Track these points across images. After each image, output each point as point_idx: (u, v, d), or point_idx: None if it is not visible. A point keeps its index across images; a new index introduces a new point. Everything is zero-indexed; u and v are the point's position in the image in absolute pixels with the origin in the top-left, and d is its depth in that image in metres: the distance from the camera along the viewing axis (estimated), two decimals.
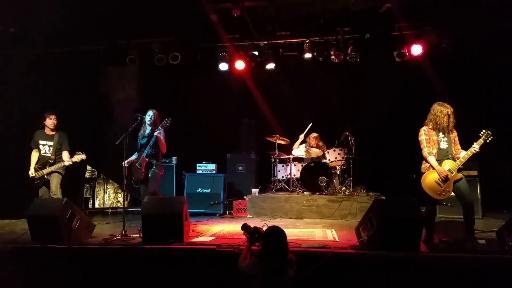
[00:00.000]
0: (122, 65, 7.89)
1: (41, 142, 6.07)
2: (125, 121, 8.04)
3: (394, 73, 8.11)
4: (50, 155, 6.02)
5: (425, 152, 4.54)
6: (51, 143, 6.05)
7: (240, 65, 7.87)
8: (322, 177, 7.23)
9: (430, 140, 4.55)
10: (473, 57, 7.42)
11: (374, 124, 8.46)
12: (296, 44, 7.81)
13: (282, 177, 8.12)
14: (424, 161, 4.64)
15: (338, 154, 7.65)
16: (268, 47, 7.77)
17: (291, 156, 7.92)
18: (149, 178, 5.63)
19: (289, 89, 8.81)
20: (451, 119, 4.49)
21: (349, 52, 7.46)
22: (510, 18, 6.74)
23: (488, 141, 4.39)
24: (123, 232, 4.99)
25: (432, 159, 4.49)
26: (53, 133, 6.10)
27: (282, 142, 8.02)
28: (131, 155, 5.70)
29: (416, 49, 7.21)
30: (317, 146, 8.01)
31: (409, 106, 8.14)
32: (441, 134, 4.56)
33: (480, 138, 4.39)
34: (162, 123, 5.57)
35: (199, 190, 7.64)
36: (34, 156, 6.07)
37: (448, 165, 4.44)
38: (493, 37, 7.09)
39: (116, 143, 5.73)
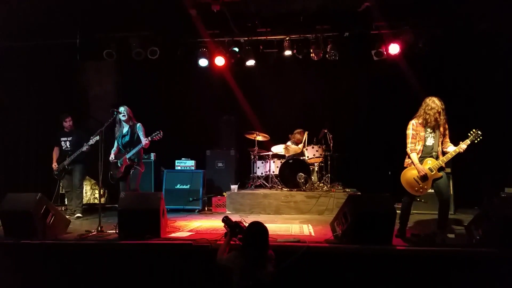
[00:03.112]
0: (99, 59, 7.76)
1: (62, 139, 6.73)
2: (102, 116, 7.91)
3: (371, 72, 8.25)
4: (70, 148, 6.65)
5: (408, 148, 4.57)
6: (70, 138, 6.70)
7: (220, 61, 7.85)
8: (300, 173, 7.31)
9: (416, 136, 4.55)
10: (449, 56, 7.60)
11: (352, 122, 8.58)
12: (276, 41, 7.85)
13: (261, 173, 8.15)
14: (407, 156, 4.67)
15: (317, 151, 7.74)
16: (248, 44, 7.78)
17: (270, 153, 7.96)
18: (131, 177, 5.66)
19: (269, 86, 8.84)
20: (441, 117, 4.46)
21: (328, 50, 7.55)
22: (484, 19, 6.92)
23: (476, 141, 4.42)
24: (99, 228, 4.93)
25: (414, 156, 4.51)
26: (72, 129, 6.79)
27: (261, 138, 8.05)
28: (107, 150, 5.68)
29: (394, 48, 7.35)
30: (304, 142, 8.06)
31: (386, 105, 8.34)
32: (429, 130, 4.55)
33: (468, 138, 4.43)
34: (153, 135, 5.61)
35: (178, 186, 7.60)
36: (55, 152, 6.79)
37: (429, 163, 4.50)
38: (468, 37, 7.28)
39: (92, 138, 5.71)
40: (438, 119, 4.46)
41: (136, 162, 5.76)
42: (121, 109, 5.74)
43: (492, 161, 7.22)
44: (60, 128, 6.80)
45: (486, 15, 6.75)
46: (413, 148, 4.54)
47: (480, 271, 3.87)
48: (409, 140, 4.57)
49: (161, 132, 5.60)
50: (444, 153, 4.60)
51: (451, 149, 4.54)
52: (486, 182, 7.28)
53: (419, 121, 4.57)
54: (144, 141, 5.59)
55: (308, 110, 8.81)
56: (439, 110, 4.45)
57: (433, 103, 4.48)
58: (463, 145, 4.44)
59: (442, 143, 4.63)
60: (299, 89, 8.87)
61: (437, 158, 4.55)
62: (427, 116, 4.48)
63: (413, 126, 4.58)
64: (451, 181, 6.90)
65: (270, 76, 8.71)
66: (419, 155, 4.55)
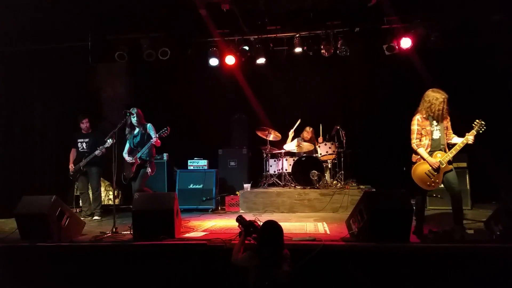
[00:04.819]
0: (111, 61, 7.80)
1: (78, 140, 6.78)
2: (115, 118, 7.99)
3: (383, 67, 8.14)
4: (86, 149, 6.68)
5: (413, 144, 4.51)
6: (87, 139, 6.73)
7: (230, 60, 7.83)
8: (313, 171, 7.25)
9: (422, 131, 4.48)
10: (461, 49, 7.45)
11: (364, 118, 8.49)
12: (287, 39, 7.79)
13: (274, 171, 8.12)
14: (414, 152, 4.60)
15: (329, 148, 7.68)
16: (259, 42, 7.73)
17: (282, 151, 7.92)
18: (138, 176, 5.68)
19: (280, 83, 8.79)
20: (445, 106, 4.41)
21: (339, 46, 7.46)
22: (498, 10, 6.77)
23: (481, 131, 4.36)
24: (114, 229, 4.95)
25: (422, 151, 4.45)
26: (90, 131, 6.81)
27: (273, 136, 8.01)
28: (121, 151, 5.73)
29: (405, 42, 7.23)
30: (311, 139, 8.02)
31: (398, 99, 8.20)
32: (434, 123, 4.49)
33: (473, 128, 4.37)
34: (161, 132, 5.62)
35: (191, 186, 7.61)
36: (72, 153, 6.80)
37: (439, 156, 4.43)
38: (481, 29, 7.13)
39: (105, 139, 5.76)
40: (444, 108, 4.40)
41: (148, 162, 5.78)
42: (133, 112, 5.76)
43: (508, 155, 7.06)
44: (77, 130, 6.85)
45: (500, 6, 6.59)
46: (419, 144, 4.48)
47: (501, 267, 3.77)
48: (413, 136, 4.51)
49: (168, 129, 5.63)
50: (449, 145, 4.53)
51: (456, 140, 4.48)
52: (503, 176, 7.13)
53: (424, 115, 4.50)
54: (154, 138, 5.61)
55: (320, 107, 8.74)
56: (444, 100, 4.40)
57: (438, 93, 4.43)
58: (470, 137, 4.37)
59: (446, 135, 4.56)
60: (311, 86, 8.81)
61: (445, 151, 4.48)
62: (433, 106, 4.41)
63: (418, 122, 4.50)
64: (467, 176, 6.81)
65: (281, 73, 8.67)
66: (428, 150, 4.48)
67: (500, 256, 3.82)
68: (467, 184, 6.75)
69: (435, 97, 4.42)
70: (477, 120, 4.40)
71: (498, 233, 4.10)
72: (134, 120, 5.76)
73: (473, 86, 7.55)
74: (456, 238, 4.21)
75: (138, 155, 5.69)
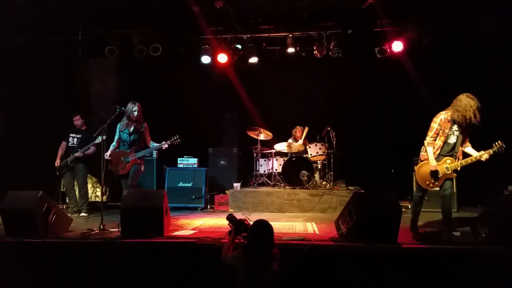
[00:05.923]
0: (102, 56, 7.72)
1: (71, 134, 6.67)
2: (105, 113, 7.87)
3: (375, 69, 8.20)
4: (76, 145, 6.56)
5: (427, 140, 4.48)
6: (79, 136, 6.63)
7: (222, 58, 7.81)
8: (303, 171, 7.27)
9: (440, 131, 4.43)
10: (452, 54, 7.54)
11: (355, 119, 8.54)
12: (279, 39, 7.81)
13: (264, 171, 8.12)
14: (423, 149, 4.57)
15: (320, 149, 7.71)
16: (251, 41, 7.73)
17: (273, 151, 7.92)
18: (130, 172, 5.63)
19: (272, 83, 8.80)
20: (477, 114, 4.25)
21: (331, 47, 7.51)
22: (489, 17, 6.86)
23: (498, 152, 4.33)
24: (101, 226, 4.90)
25: (430, 150, 4.44)
26: (84, 128, 6.72)
27: (263, 136, 8.00)
28: (109, 147, 5.68)
29: (397, 46, 7.31)
30: (303, 139, 8.04)
31: (389, 102, 8.30)
32: (455, 127, 4.43)
33: (491, 148, 4.35)
34: (173, 140, 5.65)
35: (180, 184, 7.57)
36: (62, 147, 6.70)
37: (448, 162, 4.45)
38: (472, 36, 7.22)
39: (94, 135, 5.70)
40: (473, 117, 4.24)
41: (142, 159, 5.76)
42: (134, 108, 5.68)
43: (494, 158, 7.16)
44: (72, 125, 6.74)
45: (488, 13, 6.69)
46: (431, 142, 4.46)
47: (486, 269, 3.83)
48: (430, 133, 4.47)
49: (180, 138, 5.66)
50: (463, 153, 4.52)
51: (469, 150, 4.47)
52: (488, 179, 7.23)
53: (449, 118, 4.39)
54: (165, 145, 5.64)
55: (311, 108, 8.77)
56: (478, 108, 4.26)
57: (472, 100, 4.28)
58: (485, 155, 4.36)
59: (462, 142, 4.53)
60: (302, 87, 8.83)
61: (456, 158, 4.48)
62: (463, 112, 4.25)
63: (440, 121, 4.44)
64: (454, 179, 6.83)
65: (273, 73, 8.67)
66: (438, 152, 4.48)
67: (486, 258, 3.88)
68: (454, 187, 6.81)
69: (469, 104, 4.26)
70: (498, 141, 4.37)
71: (483, 235, 4.16)
72: (136, 114, 5.69)
73: (463, 89, 7.62)
74: (443, 240, 4.28)
75: (139, 155, 5.66)
